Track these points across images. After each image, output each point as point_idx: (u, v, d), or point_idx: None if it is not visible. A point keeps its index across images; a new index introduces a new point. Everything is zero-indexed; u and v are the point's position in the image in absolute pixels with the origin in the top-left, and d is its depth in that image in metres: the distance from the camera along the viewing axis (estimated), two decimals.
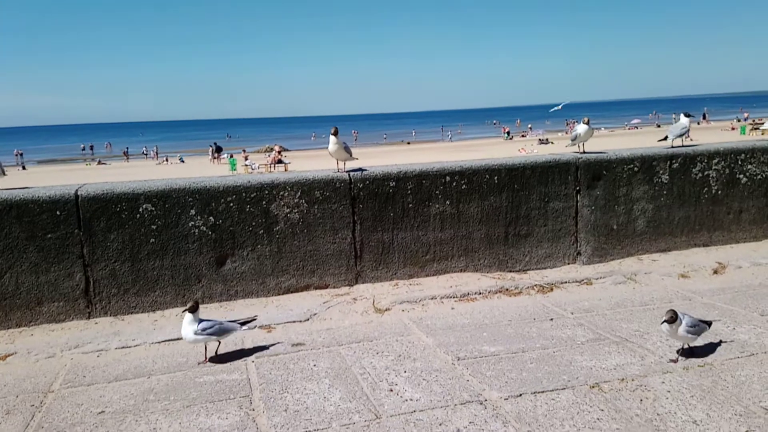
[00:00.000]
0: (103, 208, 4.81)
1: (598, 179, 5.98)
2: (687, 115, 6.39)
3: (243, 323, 4.21)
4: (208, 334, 4.00)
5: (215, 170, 35.10)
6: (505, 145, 50.07)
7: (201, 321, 4.01)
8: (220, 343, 4.16)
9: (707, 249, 6.35)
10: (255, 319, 4.42)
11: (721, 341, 4.07)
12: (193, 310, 4.00)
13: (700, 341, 3.93)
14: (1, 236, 4.64)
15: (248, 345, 4.34)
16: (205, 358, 4.11)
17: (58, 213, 4.73)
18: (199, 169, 35.45)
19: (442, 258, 5.68)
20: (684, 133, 6.35)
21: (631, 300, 5.08)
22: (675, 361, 3.82)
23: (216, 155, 46.78)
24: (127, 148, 61.68)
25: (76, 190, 4.80)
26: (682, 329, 3.72)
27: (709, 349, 3.96)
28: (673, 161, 6.21)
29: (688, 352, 3.89)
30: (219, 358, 4.11)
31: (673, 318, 3.68)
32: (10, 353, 4.32)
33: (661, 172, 6.18)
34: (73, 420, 3.36)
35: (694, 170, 6.30)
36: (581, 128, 6.06)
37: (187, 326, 4.00)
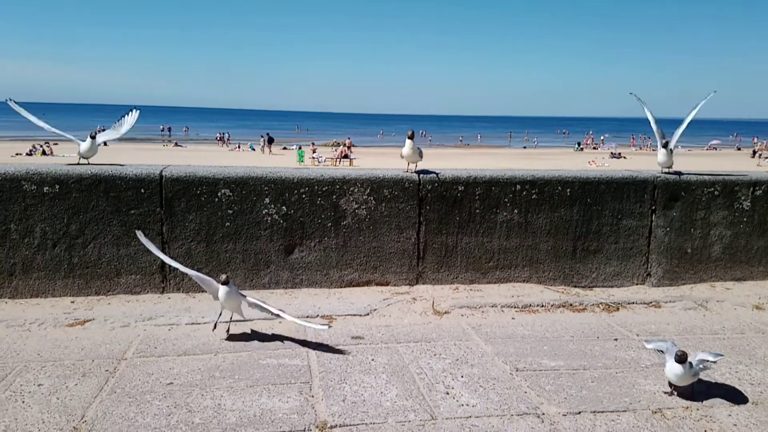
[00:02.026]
0: (184, 190, 5.04)
1: (675, 200, 5.79)
2: None
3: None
4: (256, 307, 4.20)
5: (269, 160, 35.89)
6: (575, 156, 48.89)
7: (245, 296, 4.20)
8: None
9: None
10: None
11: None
12: (226, 282, 4.15)
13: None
14: (89, 208, 4.94)
15: (310, 333, 4.46)
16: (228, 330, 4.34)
17: (142, 191, 4.98)
18: (267, 159, 36.32)
19: (506, 266, 5.64)
20: None
21: (700, 327, 4.90)
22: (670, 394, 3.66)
23: (267, 146, 47.76)
24: (222, 133, 63.89)
25: (161, 170, 5.04)
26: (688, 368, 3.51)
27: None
28: (757, 188, 5.95)
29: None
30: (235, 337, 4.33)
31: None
32: (89, 319, 4.59)
33: (742, 198, 5.92)
34: (143, 388, 3.54)
35: None
36: (660, 152, 5.91)
37: (236, 295, 4.18)
